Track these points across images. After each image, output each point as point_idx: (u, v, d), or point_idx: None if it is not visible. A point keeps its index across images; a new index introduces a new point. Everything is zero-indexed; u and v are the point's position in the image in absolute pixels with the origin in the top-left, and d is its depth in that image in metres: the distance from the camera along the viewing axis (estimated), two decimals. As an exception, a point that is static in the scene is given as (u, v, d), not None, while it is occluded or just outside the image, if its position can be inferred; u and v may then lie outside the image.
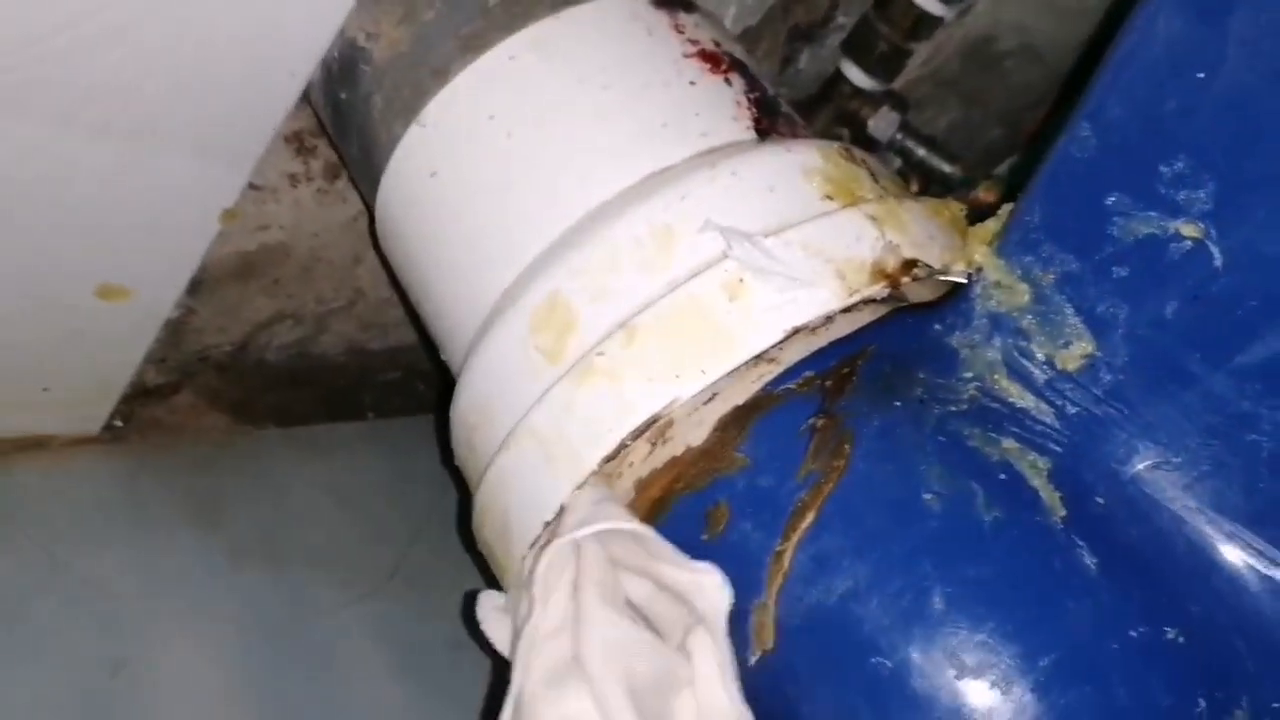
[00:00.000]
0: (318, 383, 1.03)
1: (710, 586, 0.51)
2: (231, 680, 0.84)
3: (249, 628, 0.87)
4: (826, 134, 0.92)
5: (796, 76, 1.02)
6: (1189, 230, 0.48)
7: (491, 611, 0.57)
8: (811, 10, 0.98)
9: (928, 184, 1.02)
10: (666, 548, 0.53)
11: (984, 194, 1.01)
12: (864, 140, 0.97)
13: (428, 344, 0.96)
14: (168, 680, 0.82)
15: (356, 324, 1.01)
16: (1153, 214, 0.49)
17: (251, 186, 0.81)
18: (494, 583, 0.66)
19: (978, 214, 0.62)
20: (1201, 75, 0.47)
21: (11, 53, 0.61)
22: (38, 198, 0.71)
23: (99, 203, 0.74)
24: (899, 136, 0.99)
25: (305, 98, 0.76)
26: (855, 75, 0.96)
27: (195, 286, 0.86)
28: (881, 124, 0.97)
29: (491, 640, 0.56)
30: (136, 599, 0.84)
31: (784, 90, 0.89)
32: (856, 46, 0.95)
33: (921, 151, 1.01)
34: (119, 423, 0.93)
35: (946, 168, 1.01)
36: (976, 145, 1.18)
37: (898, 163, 1.02)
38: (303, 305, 0.96)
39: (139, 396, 0.93)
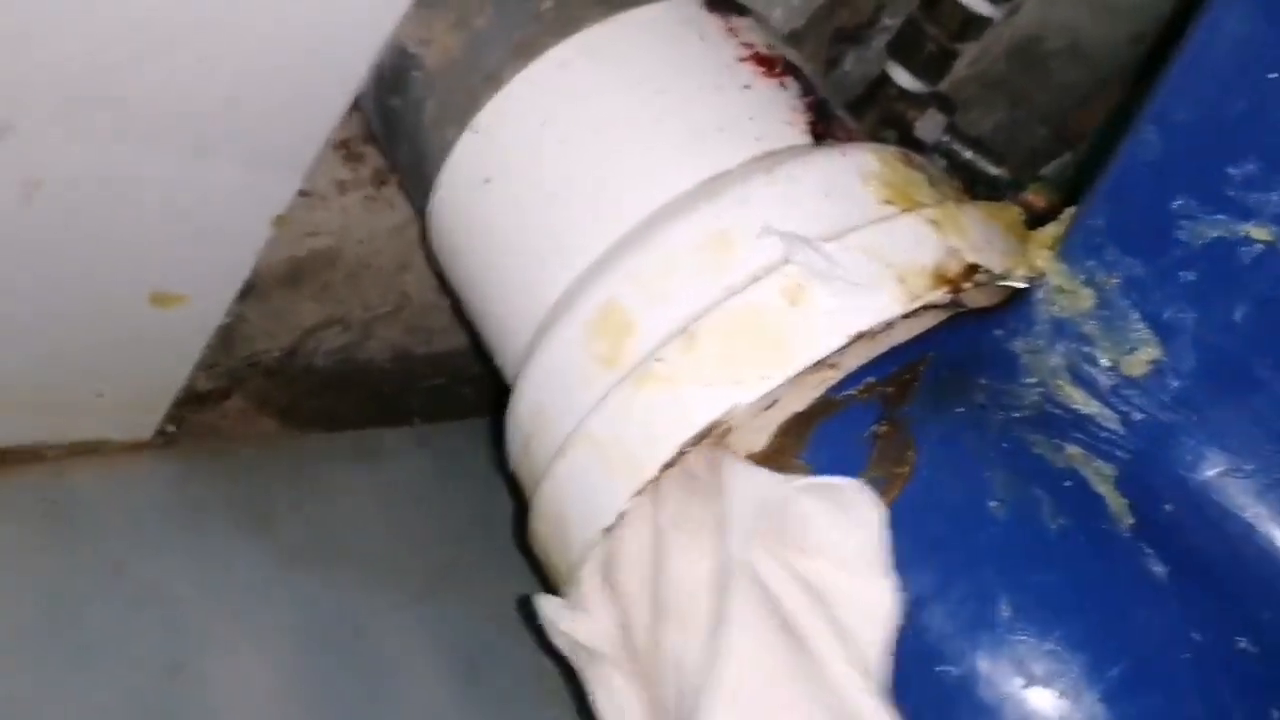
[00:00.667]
0: (365, 388, 1.03)
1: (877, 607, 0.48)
2: (285, 682, 0.85)
3: (301, 630, 0.87)
4: (872, 137, 0.92)
5: (842, 79, 1.01)
6: (1259, 233, 0.48)
7: (560, 612, 0.56)
8: (856, 13, 0.97)
9: (973, 186, 1.01)
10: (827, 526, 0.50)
11: (1032, 197, 0.99)
12: (910, 142, 0.96)
13: (476, 349, 0.97)
14: (224, 683, 0.82)
15: (402, 329, 1.01)
16: (1221, 217, 0.48)
17: (301, 193, 0.81)
18: (548, 585, 0.66)
19: (1027, 218, 0.61)
20: (1272, 76, 0.46)
21: (68, 66, 0.62)
22: (95, 207, 0.72)
23: (155, 212, 0.74)
24: (945, 138, 0.99)
25: (355, 105, 0.76)
26: (901, 77, 0.95)
27: (246, 292, 0.86)
28: (928, 126, 0.97)
29: (573, 637, 0.55)
30: (192, 602, 0.85)
31: (834, 96, 0.89)
32: (903, 48, 0.95)
33: (968, 154, 1.00)
34: (171, 428, 0.94)
35: (993, 170, 1.00)
36: (1022, 146, 1.17)
37: (943, 165, 1.01)
38: (350, 311, 0.97)
39: (190, 402, 0.94)
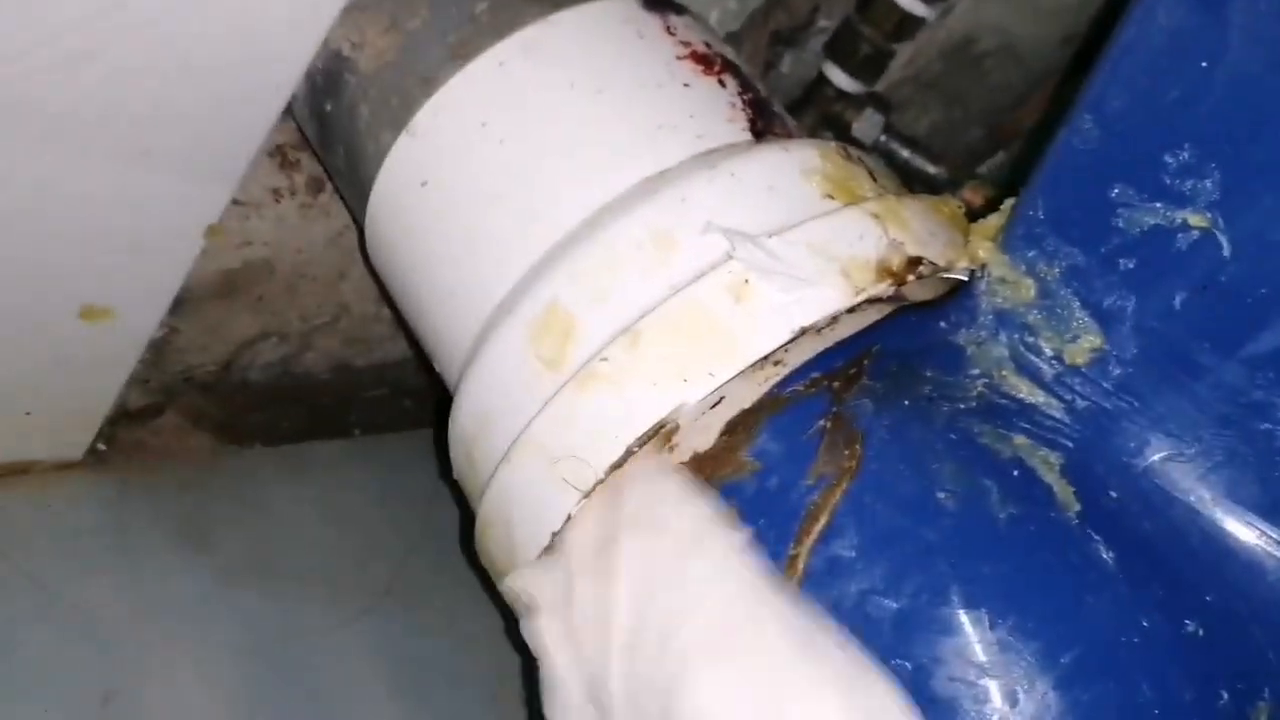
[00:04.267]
0: (303, 401, 1.01)
1: None
2: (225, 704, 0.83)
3: (241, 650, 0.85)
4: (811, 137, 0.92)
5: (779, 81, 1.01)
6: (1196, 220, 0.48)
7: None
8: (793, 14, 0.98)
9: (911, 185, 1.02)
10: None
11: (969, 194, 1.00)
12: (848, 143, 0.96)
13: (417, 359, 0.95)
14: (161, 707, 0.80)
15: (341, 340, 1.00)
16: (1158, 205, 0.49)
17: (234, 202, 0.80)
18: (495, 596, 0.65)
19: (967, 215, 0.62)
20: (1204, 64, 0.47)
21: (-10, 71, 0.60)
22: (20, 219, 0.70)
23: (82, 223, 0.72)
24: (883, 138, 0.99)
25: (288, 111, 0.75)
26: (838, 78, 0.95)
27: (178, 305, 0.84)
28: (865, 126, 0.97)
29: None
30: (126, 625, 0.82)
31: (774, 94, 0.89)
32: (839, 49, 0.95)
33: (905, 153, 1.01)
34: (103, 446, 0.92)
35: (930, 169, 1.01)
36: (958, 146, 1.18)
37: (881, 164, 1.01)
38: (287, 322, 0.95)
39: (122, 419, 0.91)
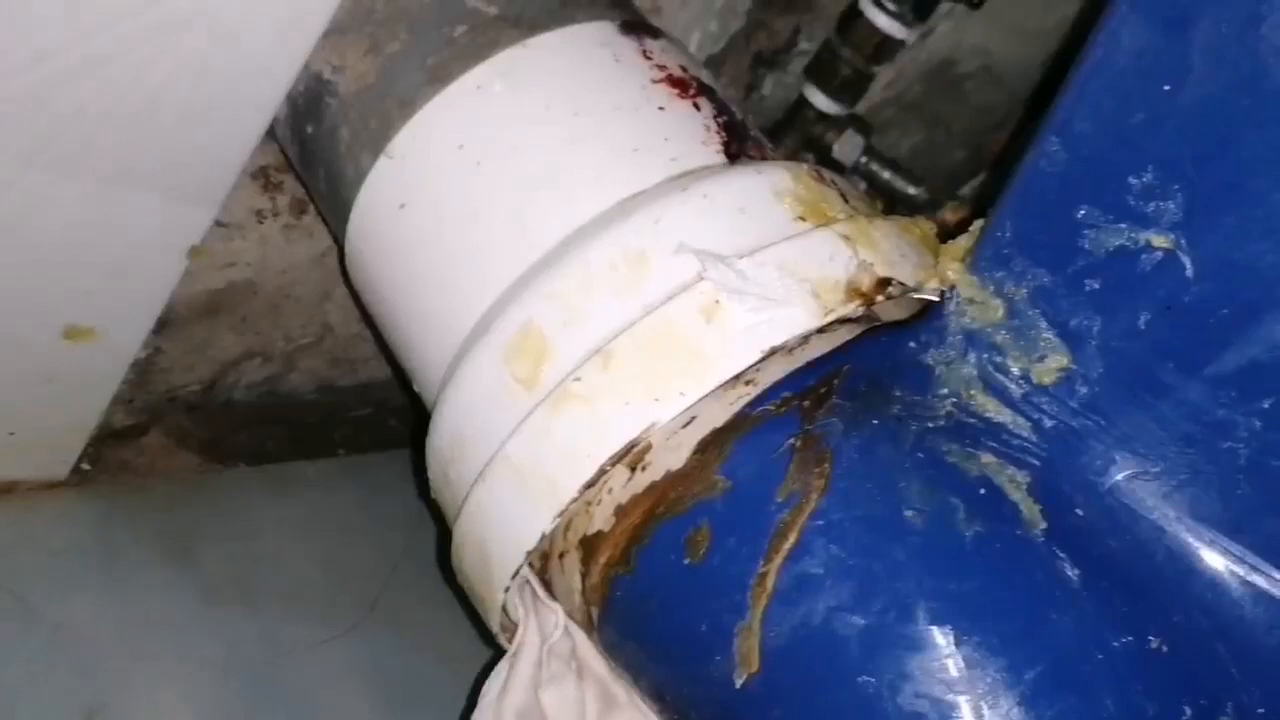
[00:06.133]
0: (288, 420, 1.02)
1: None
2: (208, 722, 0.83)
3: (225, 668, 0.85)
4: (792, 159, 0.93)
5: (761, 103, 1.02)
6: (1160, 241, 0.49)
7: None
8: (774, 37, 0.99)
9: (892, 206, 1.03)
10: None
11: (949, 215, 1.01)
12: (829, 164, 0.97)
13: (399, 378, 0.96)
14: (144, 725, 0.80)
15: (326, 360, 1.00)
16: (1123, 226, 0.49)
17: (218, 223, 0.80)
18: (474, 616, 0.65)
19: (944, 235, 0.62)
20: (1167, 87, 0.47)
21: (-28, 93, 0.61)
22: (2, 239, 0.70)
23: (64, 243, 0.73)
24: (863, 160, 1.00)
25: (271, 133, 0.75)
26: (819, 100, 0.96)
27: (162, 325, 0.85)
28: (846, 148, 0.98)
29: None
30: (110, 644, 0.82)
31: (749, 117, 0.90)
32: (820, 71, 0.96)
33: (886, 174, 1.01)
34: (87, 466, 0.92)
35: (911, 190, 1.02)
36: (940, 167, 1.19)
37: (862, 186, 1.02)
38: (271, 342, 0.95)
39: (107, 439, 0.92)
